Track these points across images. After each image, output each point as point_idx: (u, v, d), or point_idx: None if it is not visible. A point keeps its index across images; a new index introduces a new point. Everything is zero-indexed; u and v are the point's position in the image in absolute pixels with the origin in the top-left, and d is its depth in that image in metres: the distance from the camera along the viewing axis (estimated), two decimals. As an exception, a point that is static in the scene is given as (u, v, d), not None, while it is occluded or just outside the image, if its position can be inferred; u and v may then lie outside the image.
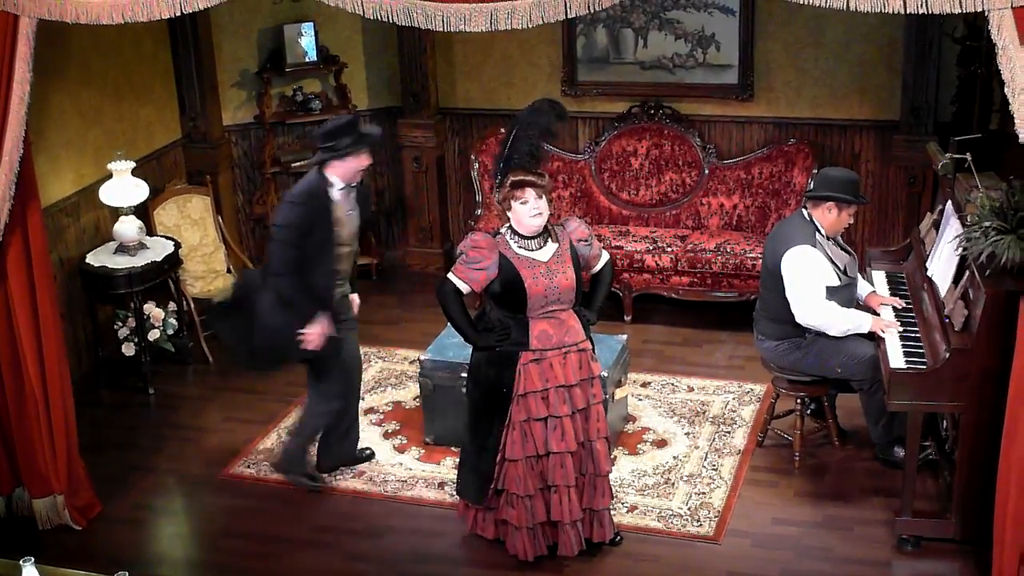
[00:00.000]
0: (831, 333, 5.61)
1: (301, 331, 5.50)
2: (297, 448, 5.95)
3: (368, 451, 6.22)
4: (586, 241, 5.17)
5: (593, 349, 5.19)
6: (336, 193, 5.47)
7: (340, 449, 6.05)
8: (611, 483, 5.38)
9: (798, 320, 5.63)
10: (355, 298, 5.94)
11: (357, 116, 5.62)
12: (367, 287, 8.52)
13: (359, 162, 5.45)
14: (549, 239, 5.08)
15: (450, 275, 5.10)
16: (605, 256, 5.29)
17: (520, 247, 5.03)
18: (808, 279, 5.55)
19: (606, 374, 5.20)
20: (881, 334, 5.51)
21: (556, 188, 5.20)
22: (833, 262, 5.62)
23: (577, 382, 5.10)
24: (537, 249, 5.04)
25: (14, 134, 5.01)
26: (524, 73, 8.31)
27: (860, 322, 5.59)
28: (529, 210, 4.97)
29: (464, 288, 5.07)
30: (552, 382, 5.06)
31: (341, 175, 5.45)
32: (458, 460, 5.51)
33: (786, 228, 5.76)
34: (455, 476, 5.54)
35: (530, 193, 4.95)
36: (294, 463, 5.95)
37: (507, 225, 5.09)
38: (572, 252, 5.10)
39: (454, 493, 5.78)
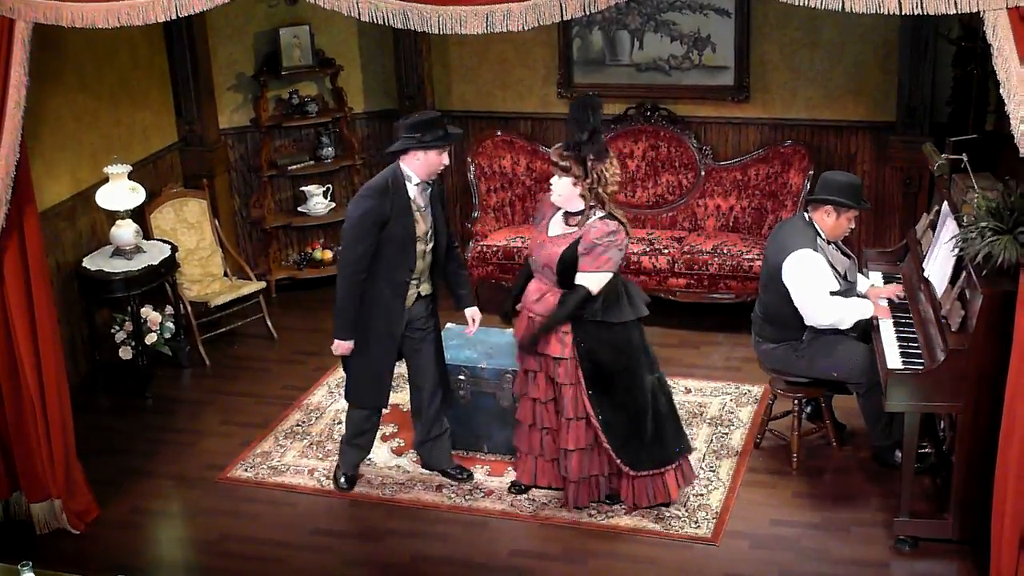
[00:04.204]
0: (844, 327, 5.61)
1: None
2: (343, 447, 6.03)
3: (465, 473, 6.04)
4: (583, 248, 5.21)
5: (576, 341, 5.30)
6: (412, 188, 5.46)
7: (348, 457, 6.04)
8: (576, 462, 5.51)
9: (810, 323, 5.62)
10: (474, 312, 5.85)
11: (442, 115, 5.69)
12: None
13: (440, 159, 5.44)
14: (577, 226, 5.28)
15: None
16: (584, 281, 5.24)
17: (559, 219, 5.39)
18: (813, 282, 5.54)
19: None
20: (879, 317, 5.57)
21: (614, 197, 5.37)
22: (833, 267, 5.62)
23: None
24: (563, 223, 5.35)
25: (10, 138, 5.01)
26: (520, 75, 8.31)
27: (864, 309, 5.61)
28: (553, 187, 5.32)
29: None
30: (517, 335, 5.56)
31: (419, 170, 5.43)
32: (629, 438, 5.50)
33: (787, 231, 5.75)
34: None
35: (555, 173, 5.28)
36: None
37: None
38: (579, 243, 5.24)
39: (451, 496, 5.80)
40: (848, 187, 5.62)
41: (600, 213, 5.25)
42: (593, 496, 5.62)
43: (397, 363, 5.81)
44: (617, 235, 5.22)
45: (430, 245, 5.58)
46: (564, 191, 5.24)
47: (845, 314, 5.58)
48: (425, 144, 5.36)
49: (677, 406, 6.58)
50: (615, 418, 5.40)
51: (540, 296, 5.39)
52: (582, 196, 5.23)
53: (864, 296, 5.81)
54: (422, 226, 5.50)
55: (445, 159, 5.46)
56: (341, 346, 5.59)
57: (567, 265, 5.24)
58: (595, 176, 5.18)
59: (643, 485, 5.54)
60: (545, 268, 5.34)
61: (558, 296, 5.31)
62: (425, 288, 5.66)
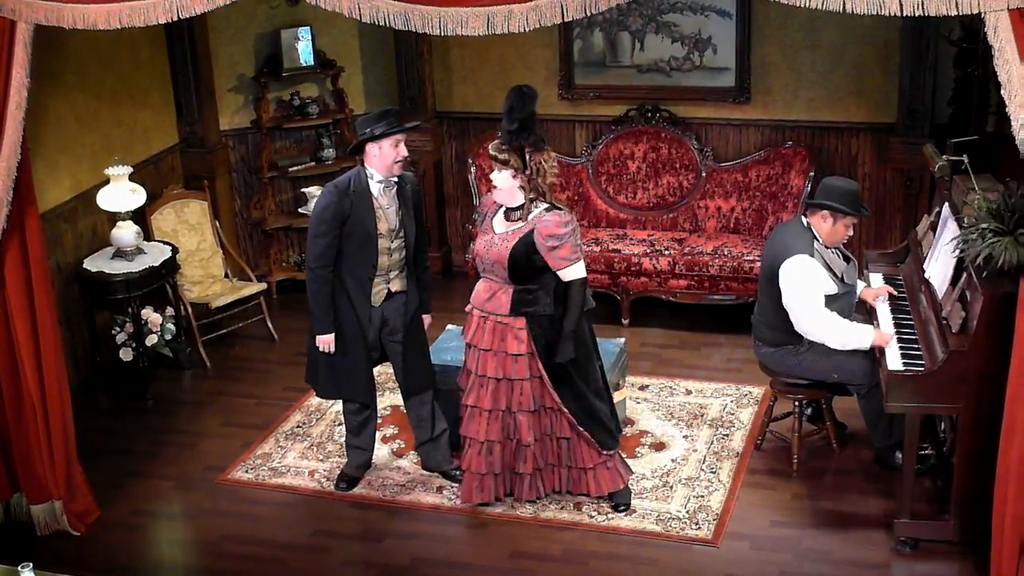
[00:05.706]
0: (831, 345, 5.57)
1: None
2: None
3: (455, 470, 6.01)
4: (545, 242, 5.22)
5: (531, 336, 5.31)
6: (375, 186, 5.51)
7: (353, 459, 6.06)
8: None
9: (797, 330, 5.62)
10: (427, 318, 5.92)
11: (399, 109, 5.74)
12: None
13: (396, 151, 5.47)
14: (520, 220, 5.29)
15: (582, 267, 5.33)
16: (571, 274, 5.29)
17: (500, 217, 5.38)
18: (806, 290, 5.53)
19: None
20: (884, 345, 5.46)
21: (554, 190, 5.35)
22: (831, 270, 5.61)
23: (490, 349, 5.37)
24: (505, 220, 5.33)
25: (12, 140, 5.01)
26: (521, 77, 8.29)
27: (861, 338, 5.50)
28: (494, 182, 5.31)
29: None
30: (467, 336, 5.50)
31: (378, 165, 5.49)
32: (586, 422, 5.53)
33: (784, 235, 5.74)
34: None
35: (495, 168, 5.27)
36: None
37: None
38: (529, 237, 5.24)
39: (454, 496, 5.80)
40: (846, 193, 5.60)
41: (544, 205, 5.29)
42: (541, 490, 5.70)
43: (382, 363, 5.88)
44: (572, 222, 5.30)
45: (396, 243, 5.61)
46: (505, 184, 5.26)
47: (836, 333, 5.52)
48: (376, 136, 5.42)
49: (678, 407, 6.60)
50: (578, 406, 5.44)
51: (491, 295, 5.39)
52: (521, 188, 5.26)
53: (860, 303, 5.81)
54: (385, 224, 5.55)
55: (402, 151, 5.49)
56: (322, 340, 5.64)
57: (518, 261, 5.26)
58: (534, 167, 5.22)
59: (604, 472, 5.60)
60: (495, 266, 5.32)
61: (510, 293, 5.32)
62: (396, 284, 5.68)
